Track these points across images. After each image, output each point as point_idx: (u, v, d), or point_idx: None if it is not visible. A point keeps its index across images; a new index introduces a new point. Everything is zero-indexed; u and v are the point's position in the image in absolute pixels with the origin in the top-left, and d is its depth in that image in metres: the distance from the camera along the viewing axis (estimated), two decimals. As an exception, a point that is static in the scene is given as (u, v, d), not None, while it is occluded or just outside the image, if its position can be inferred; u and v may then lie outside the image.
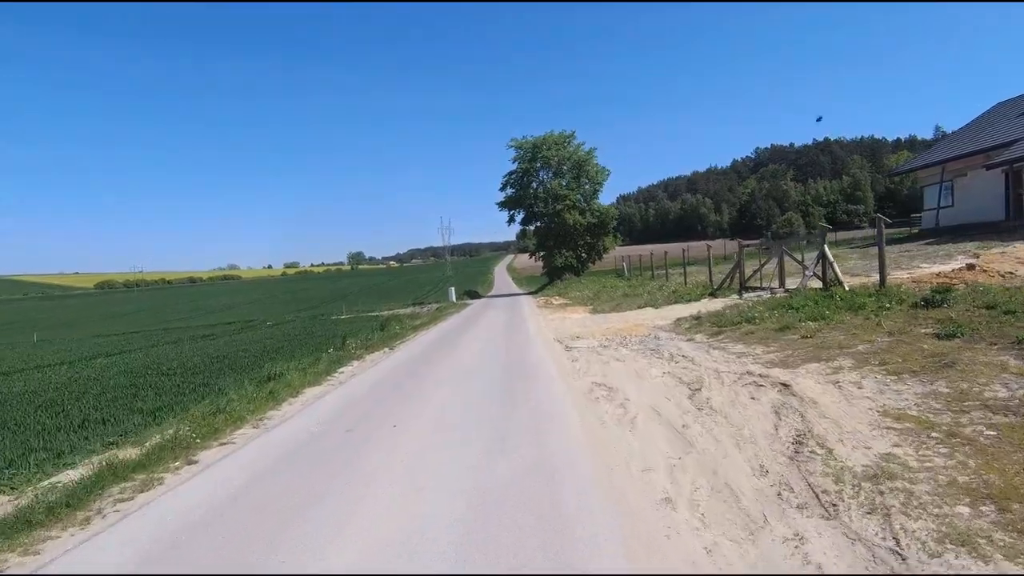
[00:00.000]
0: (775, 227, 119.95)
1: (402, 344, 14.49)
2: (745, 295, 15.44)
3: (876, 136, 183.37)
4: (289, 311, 49.73)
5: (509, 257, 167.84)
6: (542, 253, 42.77)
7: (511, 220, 43.59)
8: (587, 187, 41.19)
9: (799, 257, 14.20)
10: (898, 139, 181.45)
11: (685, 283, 21.83)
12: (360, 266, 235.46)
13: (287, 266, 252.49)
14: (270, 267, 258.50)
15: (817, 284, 12.79)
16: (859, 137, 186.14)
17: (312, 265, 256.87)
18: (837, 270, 12.07)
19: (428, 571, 2.98)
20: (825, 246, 12.46)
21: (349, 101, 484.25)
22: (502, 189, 42.65)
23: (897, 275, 13.59)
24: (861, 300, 9.90)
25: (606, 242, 41.00)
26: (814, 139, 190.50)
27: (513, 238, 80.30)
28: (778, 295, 13.54)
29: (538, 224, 42.89)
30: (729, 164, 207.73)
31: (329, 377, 9.79)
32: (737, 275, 17.16)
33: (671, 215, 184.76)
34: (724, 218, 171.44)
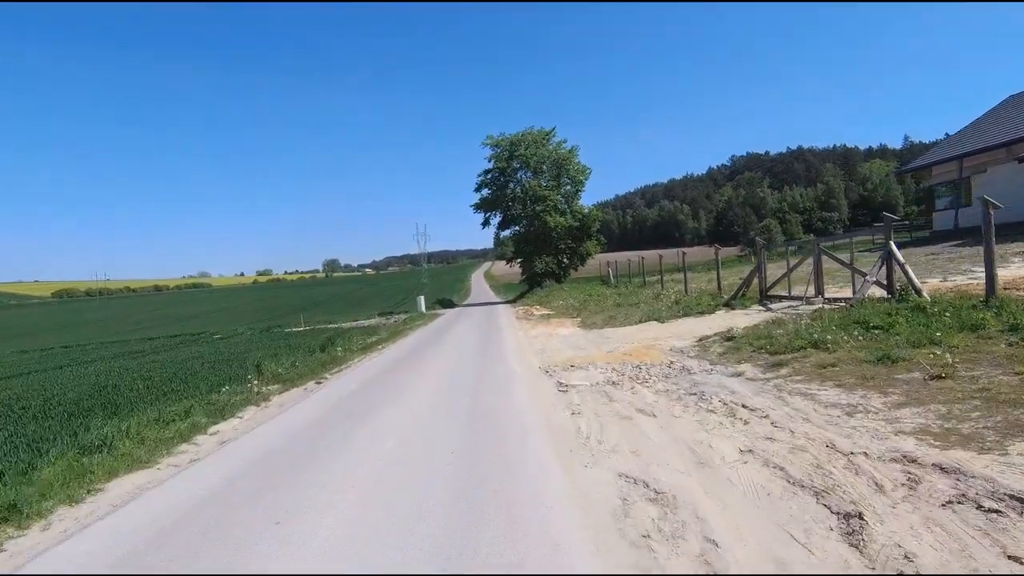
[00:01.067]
0: (753, 233, 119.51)
1: (336, 375, 11.12)
2: (772, 306, 12.53)
3: (848, 145, 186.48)
4: (248, 322, 45.53)
5: (487, 264, 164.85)
6: (520, 259, 39.58)
7: (486, 223, 40.41)
8: (568, 187, 38.24)
9: (846, 258, 11.32)
10: (869, 147, 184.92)
11: (686, 291, 18.93)
12: (335, 274, 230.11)
13: (260, 274, 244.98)
14: (242, 275, 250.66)
15: (877, 291, 9.92)
16: (831, 145, 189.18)
17: (286, 273, 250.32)
18: (911, 274, 9.18)
19: None
20: (892, 243, 9.58)
21: (322, 107, 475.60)
22: (477, 190, 39.49)
23: (956, 280, 10.86)
24: (973, 315, 6.98)
25: (589, 247, 38.06)
26: (788, 147, 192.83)
27: (491, 246, 77.05)
28: (818, 306, 10.64)
29: (516, 229, 39.81)
30: (706, 171, 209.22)
31: (169, 457, 5.81)
32: (756, 280, 14.27)
33: (649, 222, 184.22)
34: (702, 225, 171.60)
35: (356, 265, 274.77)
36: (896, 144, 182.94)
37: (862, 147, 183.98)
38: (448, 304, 40.54)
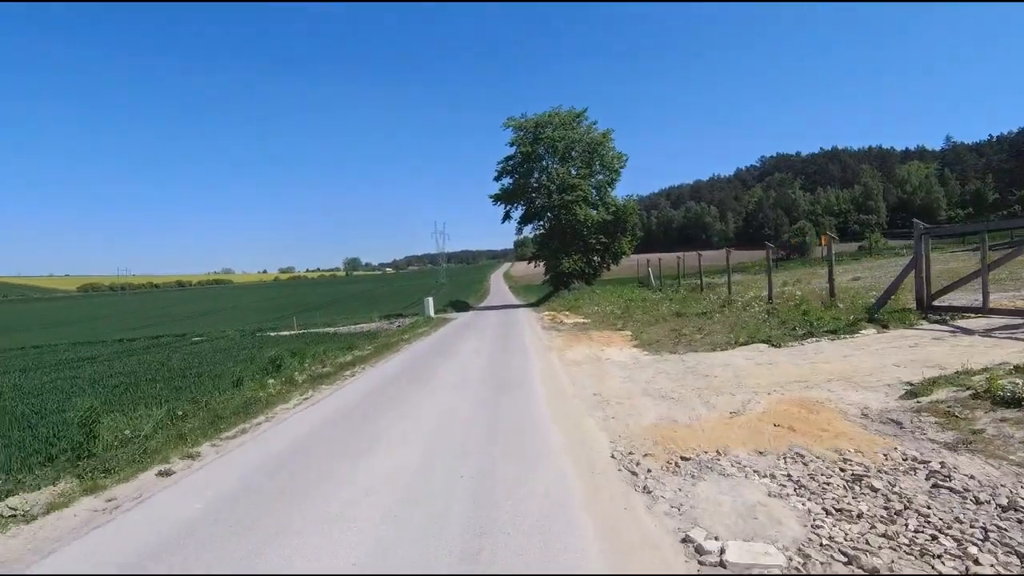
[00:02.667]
0: (786, 236, 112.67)
1: (260, 429, 6.56)
2: (961, 322, 7.63)
3: (883, 146, 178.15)
4: (253, 321, 41.54)
5: (506, 265, 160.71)
6: (544, 257, 34.74)
7: (507, 216, 35.69)
8: (601, 176, 33.35)
9: None
10: (906, 148, 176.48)
11: (770, 298, 14.02)
12: (356, 272, 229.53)
13: (282, 271, 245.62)
14: (265, 272, 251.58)
15: None
16: (867, 147, 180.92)
17: (308, 271, 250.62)
18: None
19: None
20: None
21: (351, 107, 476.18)
22: (497, 178, 34.79)
23: None
24: None
25: (623, 244, 33.10)
26: (821, 148, 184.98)
27: (512, 246, 72.50)
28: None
29: (540, 224, 35.05)
30: (733, 172, 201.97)
31: None
32: (921, 283, 9.33)
33: (674, 223, 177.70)
34: (730, 227, 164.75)
35: (377, 264, 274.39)
36: (936, 145, 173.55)
37: (898, 148, 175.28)
38: (462, 307, 35.97)
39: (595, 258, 33.10)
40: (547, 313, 24.44)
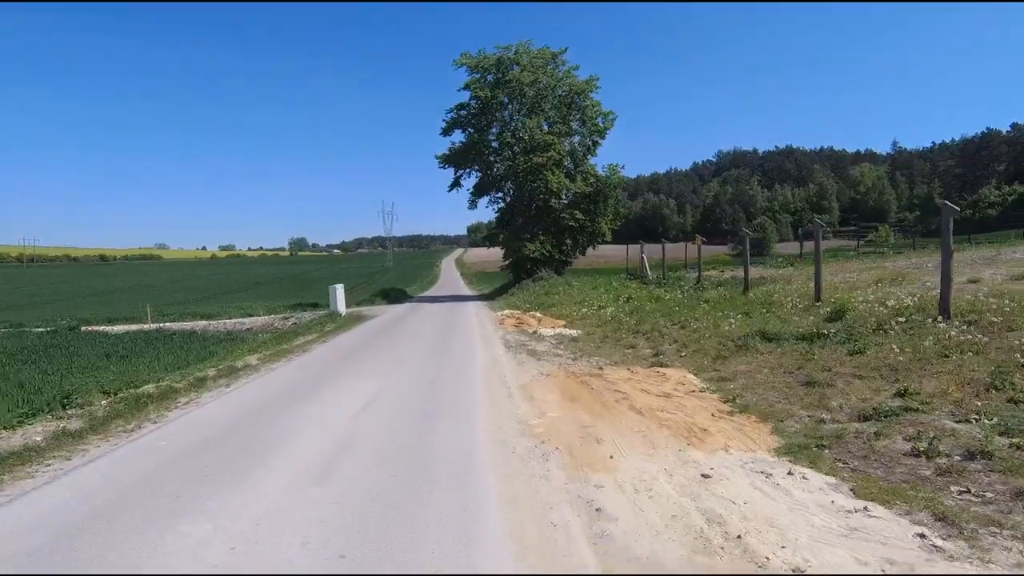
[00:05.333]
0: (748, 231, 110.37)
1: None
2: None
3: (835, 147, 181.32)
4: (138, 303, 31.92)
5: (459, 251, 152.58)
6: (504, 237, 27.31)
7: (456, 184, 27.97)
8: (582, 136, 26.18)
9: None
10: (857, 151, 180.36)
11: (818, 297, 7.53)
12: (301, 252, 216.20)
13: (221, 248, 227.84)
14: (204, 248, 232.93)
15: None
16: (819, 147, 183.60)
17: (249, 249, 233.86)
18: None
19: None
20: None
21: (305, 77, 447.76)
22: (445, 132, 26.84)
23: None
24: None
25: (603, 224, 26.18)
26: (776, 145, 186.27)
27: (465, 232, 64.99)
28: None
29: (498, 195, 27.63)
30: (690, 166, 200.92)
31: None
32: None
33: (632, 215, 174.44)
34: (688, 220, 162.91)
35: (324, 245, 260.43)
36: (884, 149, 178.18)
37: (850, 150, 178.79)
38: (397, 297, 28.12)
39: (567, 241, 26.01)
40: (508, 312, 17.19)
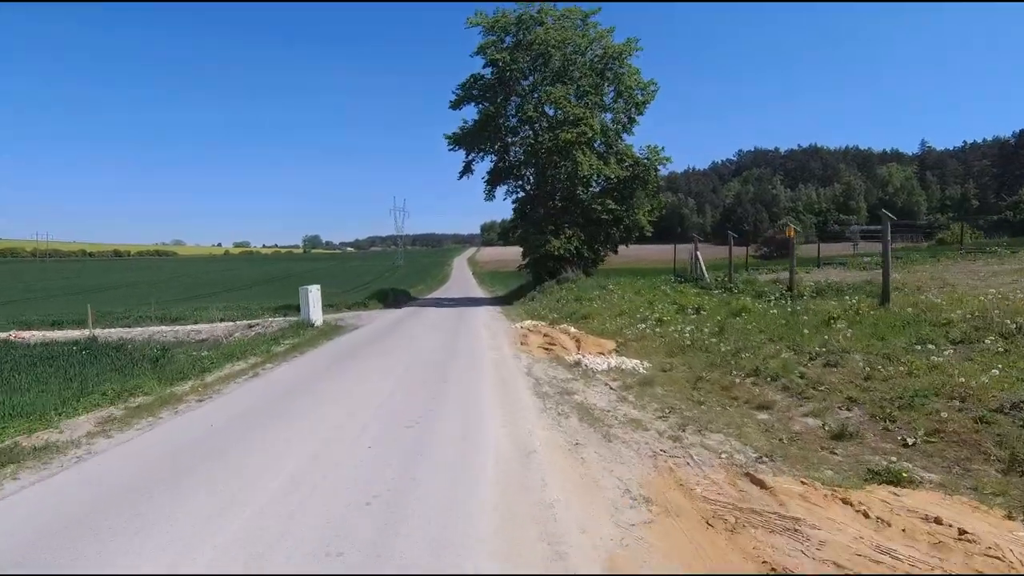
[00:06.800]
0: (772, 232, 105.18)
1: None
2: None
3: (861, 147, 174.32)
4: (131, 301, 28.35)
5: (472, 250, 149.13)
6: (523, 231, 23.13)
7: (467, 170, 23.92)
8: (615, 113, 21.96)
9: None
10: (884, 151, 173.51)
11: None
12: (315, 250, 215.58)
13: (236, 245, 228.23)
14: (220, 245, 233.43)
15: None
16: (844, 147, 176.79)
17: (264, 246, 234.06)
18: None
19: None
20: None
21: (319, 75, 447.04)
22: (455, 106, 22.82)
23: None
24: None
25: (640, 216, 21.95)
26: (799, 144, 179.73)
27: (479, 231, 61.35)
28: None
29: (517, 184, 23.50)
30: (708, 166, 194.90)
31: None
32: None
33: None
34: (707, 220, 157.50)
35: (338, 243, 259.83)
36: (912, 150, 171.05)
37: (876, 149, 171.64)
38: (397, 300, 24.13)
39: (600, 235, 21.75)
40: (530, 324, 13.10)
